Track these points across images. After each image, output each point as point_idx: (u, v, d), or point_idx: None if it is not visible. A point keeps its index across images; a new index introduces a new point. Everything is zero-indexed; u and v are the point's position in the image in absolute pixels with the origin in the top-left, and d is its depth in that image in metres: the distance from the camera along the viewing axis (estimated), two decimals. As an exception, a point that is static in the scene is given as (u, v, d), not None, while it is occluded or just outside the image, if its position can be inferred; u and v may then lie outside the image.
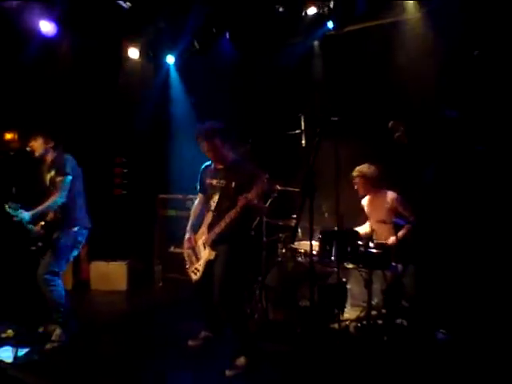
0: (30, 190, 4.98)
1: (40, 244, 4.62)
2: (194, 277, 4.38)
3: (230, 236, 4.19)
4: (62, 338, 4.63)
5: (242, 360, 4.10)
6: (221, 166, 4.38)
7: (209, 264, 4.27)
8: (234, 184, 4.18)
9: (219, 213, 4.24)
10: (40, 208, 4.60)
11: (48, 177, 4.79)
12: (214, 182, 4.37)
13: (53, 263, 4.65)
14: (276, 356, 4.42)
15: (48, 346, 4.56)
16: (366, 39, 6.30)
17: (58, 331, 4.67)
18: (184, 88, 7.69)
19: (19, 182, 4.97)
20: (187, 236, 4.52)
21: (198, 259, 4.39)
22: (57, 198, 4.62)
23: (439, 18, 5.52)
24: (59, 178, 4.68)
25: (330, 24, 6.35)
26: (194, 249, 4.45)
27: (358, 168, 5.28)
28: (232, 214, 4.07)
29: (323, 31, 6.55)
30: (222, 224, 4.15)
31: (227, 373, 4.00)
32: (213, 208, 4.32)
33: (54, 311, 4.67)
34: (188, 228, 4.58)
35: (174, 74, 7.77)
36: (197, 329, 4.74)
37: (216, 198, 4.31)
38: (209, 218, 4.35)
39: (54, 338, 4.64)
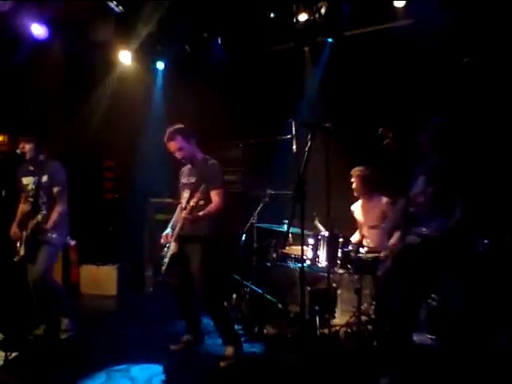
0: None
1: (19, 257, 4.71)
2: (162, 268, 4.52)
3: (200, 233, 4.30)
4: (72, 327, 4.84)
5: (230, 349, 4.32)
6: (191, 166, 4.56)
7: (172, 258, 4.40)
8: (201, 180, 4.29)
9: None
10: (56, 218, 4.74)
11: (31, 180, 4.80)
12: (185, 180, 4.56)
13: (48, 261, 4.78)
14: (266, 361, 4.45)
15: (63, 336, 4.78)
16: (357, 46, 6.35)
17: (66, 321, 4.85)
18: (174, 94, 7.69)
19: (9, 184, 4.96)
20: (165, 232, 4.62)
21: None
22: (64, 208, 4.81)
23: (428, 25, 5.57)
24: (57, 188, 4.77)
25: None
26: (168, 245, 4.57)
27: (356, 168, 5.29)
28: (191, 203, 4.13)
29: (314, 37, 6.59)
30: (185, 215, 4.19)
31: (221, 364, 4.19)
32: (183, 205, 4.39)
33: (59, 305, 4.86)
34: (169, 225, 4.66)
35: (160, 81, 7.77)
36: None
37: (185, 195, 4.40)
38: (179, 214, 4.48)
39: (64, 327, 4.82)
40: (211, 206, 4.29)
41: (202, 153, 4.59)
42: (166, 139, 4.45)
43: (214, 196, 4.31)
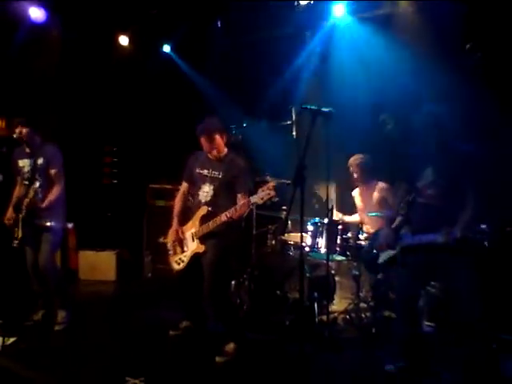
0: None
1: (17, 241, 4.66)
2: (177, 267, 4.37)
3: (220, 230, 4.17)
4: (67, 320, 4.81)
5: (231, 346, 4.15)
6: (213, 158, 4.37)
7: (195, 256, 4.25)
8: (228, 177, 4.21)
9: (214, 208, 4.21)
10: (53, 199, 4.71)
11: (28, 162, 4.78)
12: (205, 171, 4.35)
13: (52, 249, 4.80)
14: (264, 346, 4.44)
15: (57, 327, 4.74)
16: (358, 31, 6.30)
17: (62, 313, 4.82)
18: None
19: (7, 170, 4.94)
20: (174, 228, 4.46)
21: (183, 250, 4.37)
22: (61, 190, 4.77)
23: (430, 11, 5.51)
24: (55, 170, 4.74)
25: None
26: (180, 239, 4.43)
27: (353, 157, 5.27)
28: (230, 213, 4.02)
29: (316, 22, 6.54)
30: (218, 221, 4.11)
31: (217, 359, 4.04)
32: (204, 200, 4.28)
33: (58, 295, 4.84)
34: (175, 220, 4.52)
35: (178, 61, 7.64)
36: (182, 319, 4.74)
37: (206, 188, 4.29)
38: (202, 211, 4.27)
39: (59, 320, 4.79)
40: (240, 210, 4.04)
41: (226, 147, 4.42)
42: (200, 135, 4.26)
43: (242, 199, 4.13)
